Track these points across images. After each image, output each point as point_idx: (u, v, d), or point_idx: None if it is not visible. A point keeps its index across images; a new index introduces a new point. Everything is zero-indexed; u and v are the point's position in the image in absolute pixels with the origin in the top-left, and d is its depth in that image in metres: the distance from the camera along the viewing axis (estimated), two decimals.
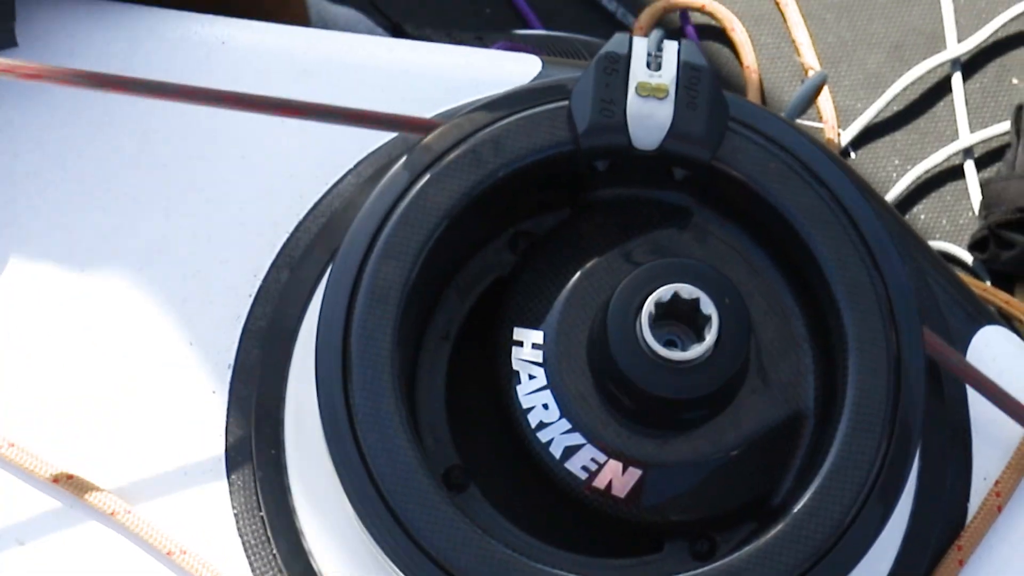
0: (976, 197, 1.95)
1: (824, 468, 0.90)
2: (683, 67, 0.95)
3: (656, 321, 0.91)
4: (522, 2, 2.02)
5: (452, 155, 0.95)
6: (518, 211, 1.01)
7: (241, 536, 1.05)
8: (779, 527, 0.89)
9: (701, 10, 2.01)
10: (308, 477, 1.03)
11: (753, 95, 1.94)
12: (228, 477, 1.06)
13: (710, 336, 0.90)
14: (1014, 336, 1.13)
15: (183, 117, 1.13)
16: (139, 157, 1.14)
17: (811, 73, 1.92)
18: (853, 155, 1.97)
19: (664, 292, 0.91)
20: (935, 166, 1.98)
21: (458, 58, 1.17)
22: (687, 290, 0.91)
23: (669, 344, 0.92)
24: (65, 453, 1.06)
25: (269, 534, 1.04)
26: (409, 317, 0.94)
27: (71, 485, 1.05)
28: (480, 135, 0.95)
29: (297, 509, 1.03)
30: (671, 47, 0.96)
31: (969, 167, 1.97)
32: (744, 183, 0.95)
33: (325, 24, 1.69)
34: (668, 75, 0.95)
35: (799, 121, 1.81)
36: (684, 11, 2.01)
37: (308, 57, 1.16)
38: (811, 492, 0.90)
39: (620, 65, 0.95)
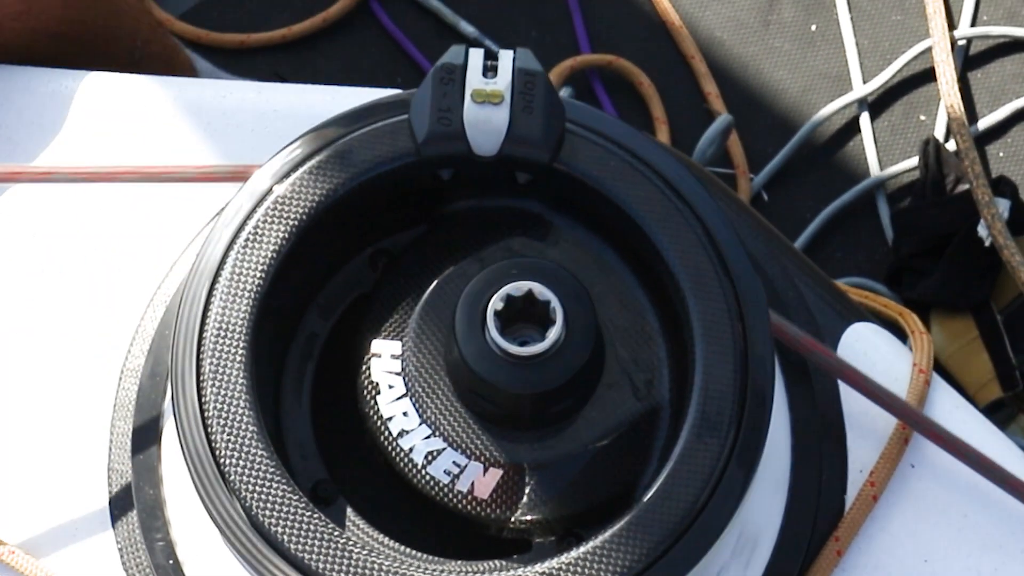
0: (890, 232, 1.97)
1: (676, 452, 0.91)
2: (518, 73, 0.97)
3: (508, 324, 0.93)
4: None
5: (296, 174, 0.96)
6: (375, 229, 1.02)
7: (126, 570, 1.06)
8: (632, 513, 0.90)
9: (609, 66, 2.04)
10: (185, 510, 1.04)
11: None
12: (111, 512, 1.07)
13: (555, 329, 0.91)
14: (884, 332, 1.15)
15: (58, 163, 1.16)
16: (16, 203, 1.16)
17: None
18: (766, 198, 2.00)
19: (507, 290, 0.92)
20: (848, 204, 2.00)
21: (326, 96, 1.20)
22: (529, 286, 0.92)
23: (524, 345, 0.93)
24: None
25: (150, 566, 1.04)
26: (264, 338, 0.95)
27: None
28: (324, 151, 0.97)
29: (173, 532, 1.04)
30: (506, 55, 0.98)
31: (882, 203, 2.00)
32: (585, 183, 0.97)
33: None
34: (503, 81, 0.97)
35: (711, 169, 1.84)
36: (592, 68, 2.05)
37: (178, 104, 1.18)
38: (663, 477, 0.91)
39: (456, 75, 0.97)
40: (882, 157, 2.03)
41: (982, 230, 1.83)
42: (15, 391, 1.11)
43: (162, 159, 1.17)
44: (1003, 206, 1.84)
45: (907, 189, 2.01)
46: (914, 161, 2.00)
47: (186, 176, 1.07)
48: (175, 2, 2.08)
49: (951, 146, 1.97)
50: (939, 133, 2.02)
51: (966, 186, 1.89)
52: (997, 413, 1.81)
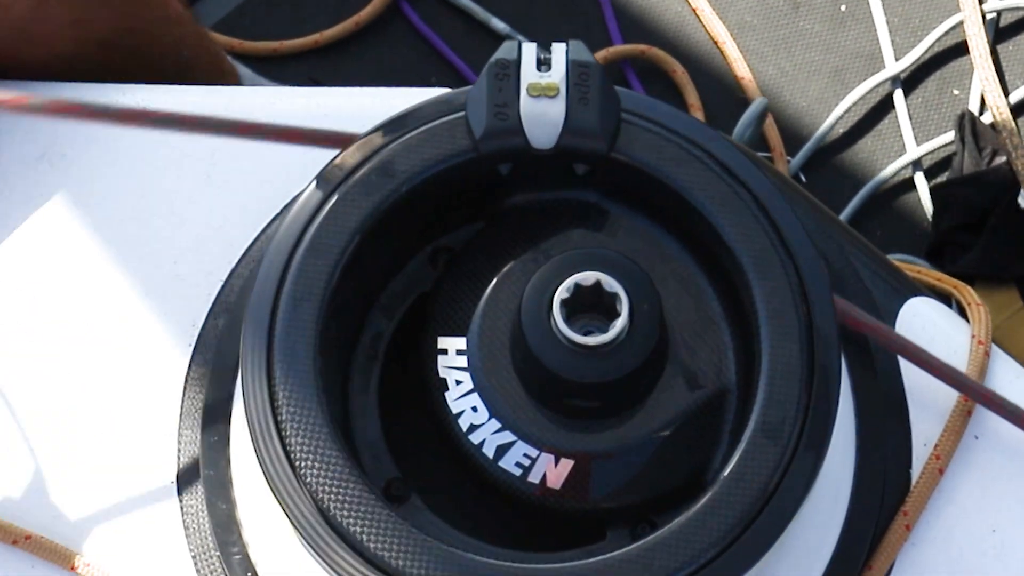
0: (929, 207, 1.97)
1: (745, 435, 0.92)
2: (572, 65, 0.98)
3: (572, 314, 0.93)
4: (465, 68, 2.06)
5: (357, 175, 0.97)
6: (435, 227, 1.03)
7: None
8: (705, 496, 0.90)
9: (642, 56, 2.05)
10: (258, 515, 1.05)
11: None
12: (183, 521, 1.08)
13: (621, 318, 0.92)
14: (940, 305, 1.15)
15: (112, 175, 1.17)
16: (74, 218, 1.17)
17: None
18: (804, 179, 2.00)
19: (573, 280, 0.93)
20: (886, 182, 2.01)
21: (375, 98, 1.21)
22: (596, 276, 0.93)
23: (588, 335, 0.94)
24: (20, 509, 1.08)
25: (226, 573, 1.05)
26: (330, 341, 0.95)
27: (30, 545, 1.07)
28: (383, 152, 0.97)
29: (249, 545, 1.04)
30: (559, 48, 0.98)
31: (919, 179, 2.00)
32: (644, 171, 0.97)
33: None
34: (558, 74, 0.97)
35: None
36: (625, 59, 2.05)
37: (228, 112, 1.19)
38: (734, 460, 0.91)
39: (511, 69, 0.98)
40: (917, 133, 2.03)
41: (1023, 200, 1.83)
42: (81, 396, 1.12)
43: (215, 169, 1.17)
44: None
45: (944, 164, 2.01)
46: (950, 136, 2.00)
47: (283, 133, 1.06)
48: (206, 13, 2.09)
49: (986, 119, 1.97)
50: (973, 106, 2.02)
51: (1003, 158, 1.89)
52: None
